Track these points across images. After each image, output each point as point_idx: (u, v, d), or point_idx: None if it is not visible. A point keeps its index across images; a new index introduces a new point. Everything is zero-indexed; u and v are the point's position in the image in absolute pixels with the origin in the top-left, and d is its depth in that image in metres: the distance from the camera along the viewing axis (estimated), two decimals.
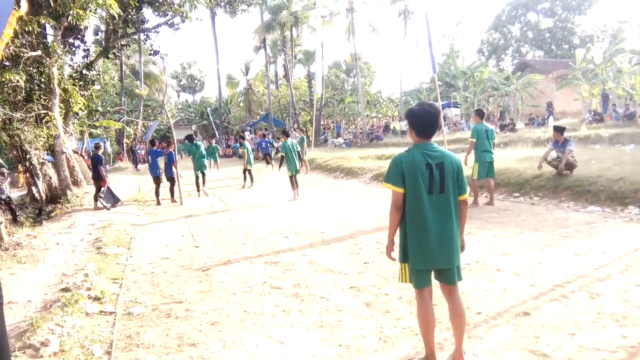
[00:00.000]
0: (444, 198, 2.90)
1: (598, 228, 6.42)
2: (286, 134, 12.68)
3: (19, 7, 6.18)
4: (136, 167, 27.49)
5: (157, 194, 12.56)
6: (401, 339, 3.55)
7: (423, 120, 2.97)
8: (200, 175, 13.43)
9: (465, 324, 3.09)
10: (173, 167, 12.43)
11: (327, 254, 6.16)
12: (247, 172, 14.83)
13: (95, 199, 11.41)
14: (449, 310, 3.09)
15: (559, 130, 9.03)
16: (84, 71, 16.83)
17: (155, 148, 13.38)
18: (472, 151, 8.70)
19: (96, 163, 11.45)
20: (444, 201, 2.90)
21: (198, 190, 13.32)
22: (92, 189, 15.38)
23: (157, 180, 12.57)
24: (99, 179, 11.38)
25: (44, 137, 13.02)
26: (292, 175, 11.49)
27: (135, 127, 37.09)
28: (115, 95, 39.64)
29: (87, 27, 15.64)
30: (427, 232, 2.89)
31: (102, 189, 11.37)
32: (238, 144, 34.71)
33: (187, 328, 4.00)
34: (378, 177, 14.24)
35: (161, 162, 12.90)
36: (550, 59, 42.43)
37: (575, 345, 3.24)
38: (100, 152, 11.74)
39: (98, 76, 19.65)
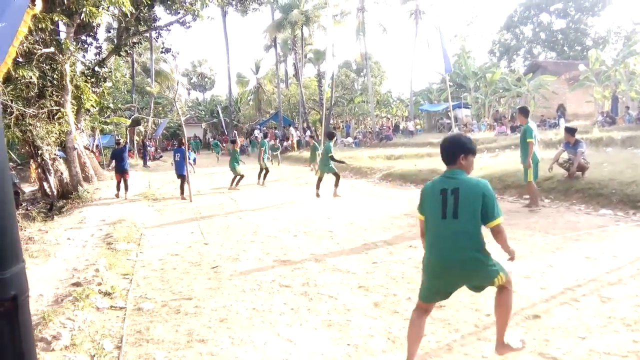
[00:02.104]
0: (457, 224, 2.88)
1: (610, 231, 6.36)
2: (329, 136, 12.21)
3: (34, 5, 6.24)
4: (145, 164, 27.49)
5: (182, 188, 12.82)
6: None
7: (441, 149, 3.11)
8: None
9: (505, 317, 3.04)
10: (185, 165, 12.49)
11: (336, 253, 6.17)
12: (261, 170, 14.83)
13: (118, 189, 12.51)
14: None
15: (570, 131, 8.95)
16: (96, 68, 16.94)
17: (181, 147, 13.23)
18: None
19: (124, 155, 12.66)
20: (457, 226, 2.88)
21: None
22: (103, 184, 15.60)
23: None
24: (125, 172, 12.50)
25: (55, 133, 13.13)
26: (320, 176, 11.61)
27: (145, 124, 37.31)
28: (126, 93, 39.91)
29: (99, 25, 15.69)
30: (434, 256, 2.97)
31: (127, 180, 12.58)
32: (248, 142, 34.96)
33: (196, 324, 4.03)
34: (387, 177, 14.22)
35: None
36: (563, 60, 42.06)
37: (586, 349, 3.22)
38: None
39: (110, 73, 19.80)
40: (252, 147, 32.19)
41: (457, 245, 2.88)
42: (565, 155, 9.01)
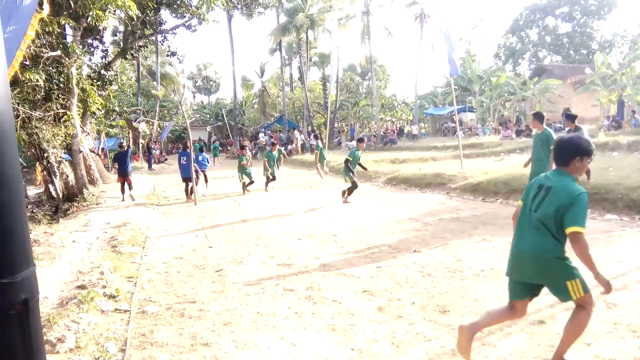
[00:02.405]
0: (537, 218, 2.95)
1: (615, 237, 6.33)
2: (358, 141, 12.01)
3: (42, 9, 6.29)
4: (150, 167, 27.57)
5: (189, 191, 12.95)
6: (414, 345, 3.53)
7: (555, 149, 3.13)
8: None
9: (572, 337, 3.00)
10: (191, 168, 12.51)
11: (340, 257, 6.16)
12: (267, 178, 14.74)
13: (122, 192, 12.68)
14: None
15: (570, 117, 8.97)
16: (102, 71, 17.05)
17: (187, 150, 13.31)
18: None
19: (127, 159, 12.86)
20: (536, 220, 2.95)
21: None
22: (108, 187, 15.68)
23: (188, 180, 12.90)
24: (127, 175, 12.66)
25: (61, 136, 13.21)
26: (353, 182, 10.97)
27: (151, 127, 37.48)
28: (132, 96, 40.13)
29: (105, 28, 15.83)
30: (514, 243, 3.13)
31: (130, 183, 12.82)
32: (253, 145, 34.93)
33: (200, 328, 4.03)
34: (391, 181, 14.21)
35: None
36: (568, 64, 41.97)
37: (591, 355, 3.20)
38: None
39: (116, 76, 19.91)
40: (259, 151, 31.93)
41: (532, 238, 2.96)
42: None
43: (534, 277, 3.04)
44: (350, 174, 10.85)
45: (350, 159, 10.88)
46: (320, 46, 44.26)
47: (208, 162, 15.37)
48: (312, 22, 36.68)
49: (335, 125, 40.11)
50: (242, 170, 13.99)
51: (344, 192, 11.05)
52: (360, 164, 11.30)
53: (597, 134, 18.68)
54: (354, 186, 10.93)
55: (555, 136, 7.85)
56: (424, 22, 35.24)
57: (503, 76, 33.57)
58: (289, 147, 31.15)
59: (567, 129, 9.11)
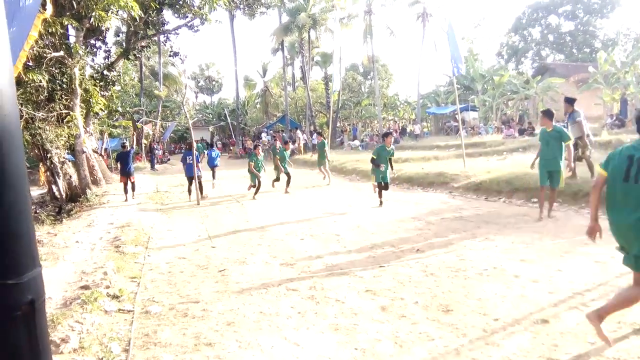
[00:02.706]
0: (637, 189, 3.02)
1: None
2: (386, 135, 10.77)
3: (45, 9, 6.30)
4: (153, 167, 27.59)
5: (191, 190, 12.96)
6: (417, 344, 3.53)
7: (637, 119, 3.28)
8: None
9: (619, 304, 3.23)
10: (194, 167, 12.51)
11: (343, 257, 6.16)
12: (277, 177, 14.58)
13: (125, 192, 12.76)
14: None
15: (569, 101, 8.92)
16: (105, 72, 17.07)
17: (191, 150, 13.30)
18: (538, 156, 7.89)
19: (129, 159, 13.04)
20: (636, 191, 3.02)
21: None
22: (111, 187, 15.72)
23: (191, 180, 12.84)
24: (130, 174, 12.79)
25: (64, 137, 13.26)
26: (378, 183, 10.21)
27: (153, 127, 37.54)
28: (134, 96, 40.18)
29: (108, 29, 15.83)
30: (613, 215, 3.21)
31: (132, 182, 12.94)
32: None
33: (203, 328, 4.04)
34: (394, 180, 14.17)
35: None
36: (571, 62, 41.83)
37: (595, 354, 3.19)
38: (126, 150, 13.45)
39: (118, 77, 19.97)
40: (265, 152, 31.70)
41: (632, 208, 3.03)
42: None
43: (635, 244, 3.13)
44: (376, 171, 10.02)
45: (375, 157, 10.07)
46: (323, 46, 44.15)
47: (219, 157, 15.47)
48: (314, 22, 36.64)
49: (338, 124, 40.05)
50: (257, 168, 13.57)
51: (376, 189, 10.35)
52: (391, 162, 10.26)
53: (600, 132, 18.60)
54: (381, 187, 10.14)
55: (567, 131, 7.89)
56: (426, 21, 35.18)
57: (506, 75, 33.50)
58: (292, 146, 31.12)
59: (566, 112, 9.11)
